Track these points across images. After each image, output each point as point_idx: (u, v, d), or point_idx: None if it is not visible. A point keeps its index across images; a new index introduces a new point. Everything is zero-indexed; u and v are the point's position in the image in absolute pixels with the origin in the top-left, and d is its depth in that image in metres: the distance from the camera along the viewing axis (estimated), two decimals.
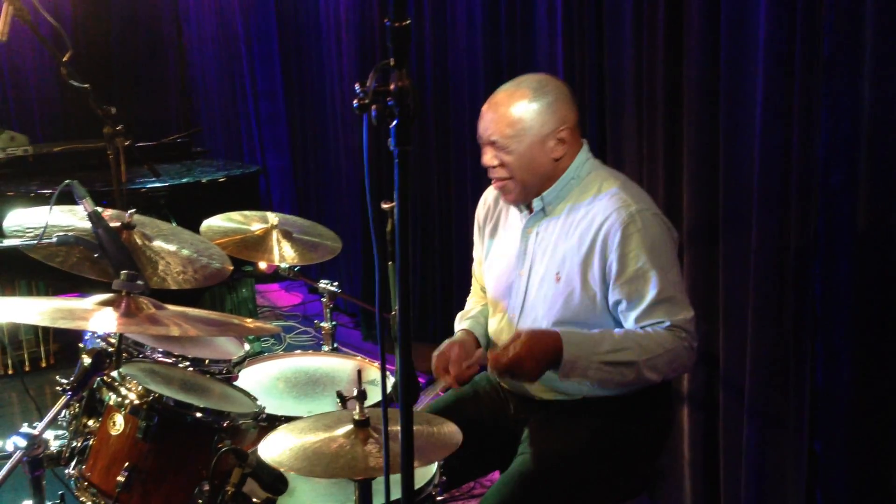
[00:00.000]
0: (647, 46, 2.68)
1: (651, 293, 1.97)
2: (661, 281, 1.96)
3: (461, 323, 2.31)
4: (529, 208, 2.14)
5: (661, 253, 1.99)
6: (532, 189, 2.09)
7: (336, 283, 2.70)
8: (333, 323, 2.69)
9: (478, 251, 2.36)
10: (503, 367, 1.93)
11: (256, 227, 2.67)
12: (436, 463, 1.92)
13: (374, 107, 1.26)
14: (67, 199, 2.00)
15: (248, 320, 2.14)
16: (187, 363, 2.11)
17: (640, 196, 2.07)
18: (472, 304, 2.40)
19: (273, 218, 2.69)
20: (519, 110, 2.03)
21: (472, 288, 2.45)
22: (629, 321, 2.01)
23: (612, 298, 2.01)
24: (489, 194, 2.32)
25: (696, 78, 2.52)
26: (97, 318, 1.64)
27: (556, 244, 2.08)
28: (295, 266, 2.63)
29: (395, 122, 1.26)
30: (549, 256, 2.09)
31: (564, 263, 2.05)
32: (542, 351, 1.92)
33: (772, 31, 2.25)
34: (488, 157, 2.09)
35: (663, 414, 2.20)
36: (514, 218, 2.22)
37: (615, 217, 1.99)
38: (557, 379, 1.97)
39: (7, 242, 1.90)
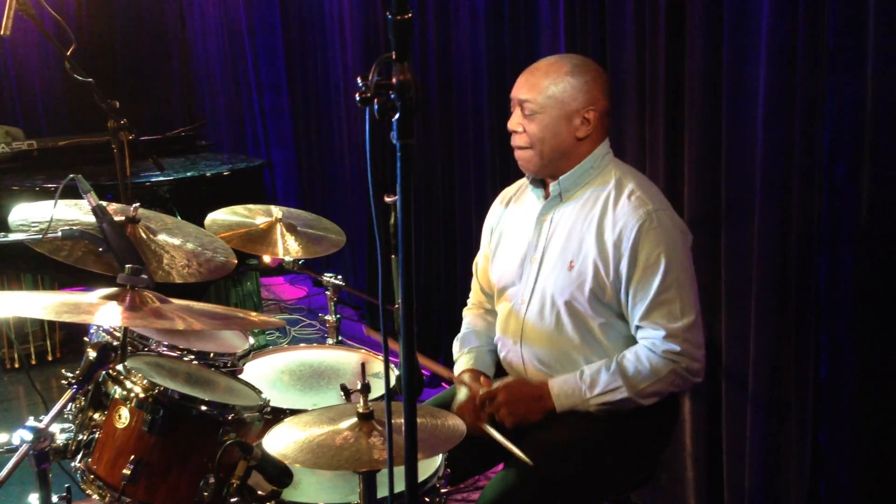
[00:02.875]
0: (650, 37, 2.67)
1: (654, 289, 1.99)
2: (667, 279, 1.99)
3: (462, 357, 2.30)
4: (546, 194, 2.15)
5: (673, 253, 2.01)
6: (549, 163, 2.11)
7: (340, 277, 2.71)
8: (338, 316, 2.70)
9: (484, 249, 2.36)
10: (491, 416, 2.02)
11: (261, 220, 2.68)
12: (441, 455, 1.93)
13: (376, 100, 1.26)
14: (72, 192, 2.01)
15: (253, 314, 2.15)
16: (192, 357, 2.12)
17: (657, 196, 2.09)
18: (471, 317, 2.41)
19: (277, 211, 2.69)
20: (555, 79, 2.06)
21: (472, 289, 2.45)
22: (634, 320, 2.04)
23: (624, 296, 2.03)
24: (505, 194, 2.34)
25: (698, 69, 2.52)
26: (102, 312, 1.65)
27: (571, 232, 2.10)
28: (299, 259, 2.64)
29: (397, 116, 1.26)
30: (564, 243, 2.11)
31: (579, 253, 2.07)
32: (524, 408, 2.03)
33: (775, 22, 2.25)
34: (514, 121, 2.12)
35: (668, 406, 2.20)
36: (527, 207, 2.23)
37: (633, 215, 2.02)
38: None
39: (12, 236, 1.91)
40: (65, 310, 1.64)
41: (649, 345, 2.02)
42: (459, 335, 2.38)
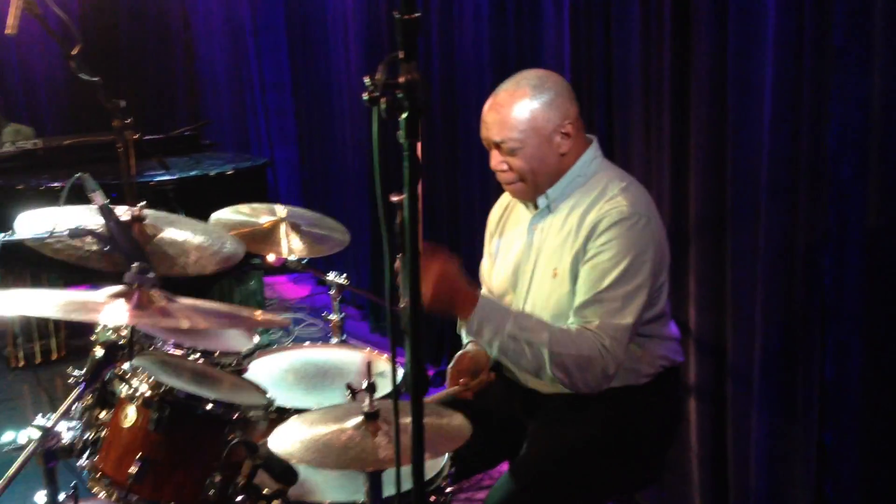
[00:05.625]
0: (655, 37, 2.67)
1: (598, 286, 1.96)
2: (616, 282, 1.95)
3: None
4: (535, 205, 2.14)
5: (634, 259, 1.96)
6: (543, 185, 2.09)
7: (344, 276, 2.71)
8: (342, 315, 2.70)
9: (487, 252, 2.36)
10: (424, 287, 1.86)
11: (265, 219, 2.68)
12: (446, 455, 1.93)
13: (383, 99, 1.26)
14: (78, 191, 2.01)
15: (258, 312, 2.15)
16: (197, 355, 2.12)
17: (639, 200, 2.04)
18: None
19: (282, 210, 2.69)
20: (522, 111, 2.01)
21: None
22: (571, 308, 2.00)
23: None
24: (504, 198, 2.32)
25: (703, 68, 2.52)
26: (109, 310, 1.65)
27: (556, 241, 2.08)
28: (303, 258, 2.63)
29: (404, 115, 1.26)
30: (550, 253, 2.09)
31: (561, 260, 2.05)
32: (447, 292, 1.90)
33: (781, 21, 2.24)
34: (496, 161, 2.09)
35: (672, 406, 2.20)
36: (521, 214, 2.22)
37: (606, 216, 1.99)
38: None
39: (18, 236, 1.91)
40: (72, 308, 1.64)
41: (583, 323, 1.97)
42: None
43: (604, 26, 2.90)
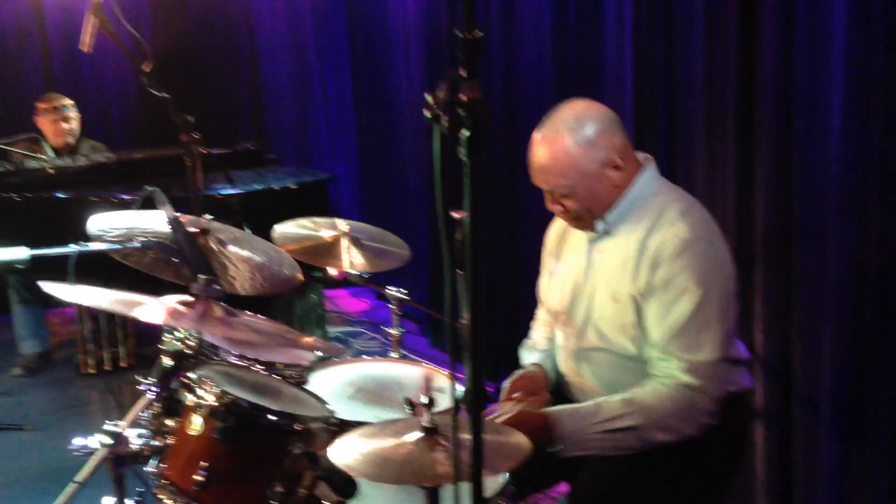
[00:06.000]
0: (719, 54, 2.63)
1: (678, 319, 1.92)
2: (695, 312, 1.91)
3: (531, 355, 2.31)
4: (593, 229, 2.12)
5: (705, 285, 1.93)
6: (599, 214, 2.07)
7: (405, 291, 2.73)
8: (402, 330, 2.72)
9: (546, 270, 2.35)
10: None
11: (326, 233, 2.72)
12: (505, 473, 1.92)
13: (445, 117, 1.27)
14: (148, 203, 2.07)
15: (311, 339, 2.15)
16: (260, 366, 2.16)
17: (701, 223, 2.01)
18: (539, 336, 2.38)
19: (344, 225, 2.72)
20: (564, 156, 1.98)
21: (537, 313, 2.42)
22: (648, 346, 1.97)
23: (643, 314, 1.97)
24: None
25: (769, 81, 2.46)
26: (173, 314, 1.68)
27: (615, 264, 2.05)
28: (364, 273, 2.66)
29: (466, 133, 1.27)
30: (609, 277, 2.06)
31: (621, 286, 2.02)
32: (529, 432, 1.84)
33: (851, 33, 2.19)
34: (550, 205, 2.08)
35: (738, 432, 2.14)
36: (579, 235, 2.20)
37: (670, 243, 1.95)
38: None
39: (95, 246, 1.97)
40: (136, 306, 1.67)
41: (664, 377, 1.95)
42: (527, 343, 2.37)
43: (666, 45, 2.87)
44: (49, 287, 1.73)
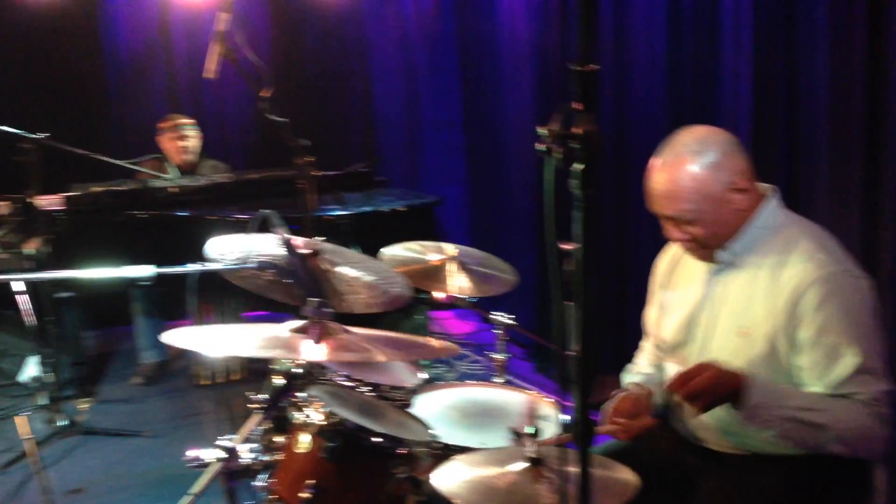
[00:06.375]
0: (843, 77, 2.53)
1: (847, 365, 1.85)
2: (860, 352, 1.84)
3: (633, 377, 2.27)
4: (714, 260, 2.06)
5: (860, 319, 1.86)
6: (724, 241, 2.02)
7: (513, 316, 2.72)
8: (507, 354, 2.71)
9: (655, 302, 2.30)
10: (682, 395, 1.83)
11: (433, 257, 2.74)
12: None
13: (558, 150, 1.27)
14: (262, 224, 2.14)
15: (434, 341, 2.17)
16: (367, 388, 2.19)
17: (837, 254, 1.93)
18: (644, 362, 2.33)
19: (451, 249, 2.74)
20: (688, 180, 1.94)
21: (642, 344, 2.37)
22: (817, 389, 1.89)
23: (798, 362, 1.90)
24: (671, 248, 2.26)
25: None
26: (304, 347, 1.71)
27: (743, 298, 1.98)
28: (472, 297, 2.67)
29: (580, 166, 1.26)
30: (735, 309, 2.00)
31: (751, 320, 1.95)
32: (724, 390, 1.81)
33: None
34: (672, 233, 2.04)
35: (858, 475, 2.03)
36: (695, 266, 2.14)
37: (811, 279, 1.87)
38: (733, 424, 1.88)
39: (214, 266, 2.06)
40: (268, 345, 1.72)
41: (861, 394, 1.87)
42: (630, 367, 2.33)
43: (786, 66, 2.79)
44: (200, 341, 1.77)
